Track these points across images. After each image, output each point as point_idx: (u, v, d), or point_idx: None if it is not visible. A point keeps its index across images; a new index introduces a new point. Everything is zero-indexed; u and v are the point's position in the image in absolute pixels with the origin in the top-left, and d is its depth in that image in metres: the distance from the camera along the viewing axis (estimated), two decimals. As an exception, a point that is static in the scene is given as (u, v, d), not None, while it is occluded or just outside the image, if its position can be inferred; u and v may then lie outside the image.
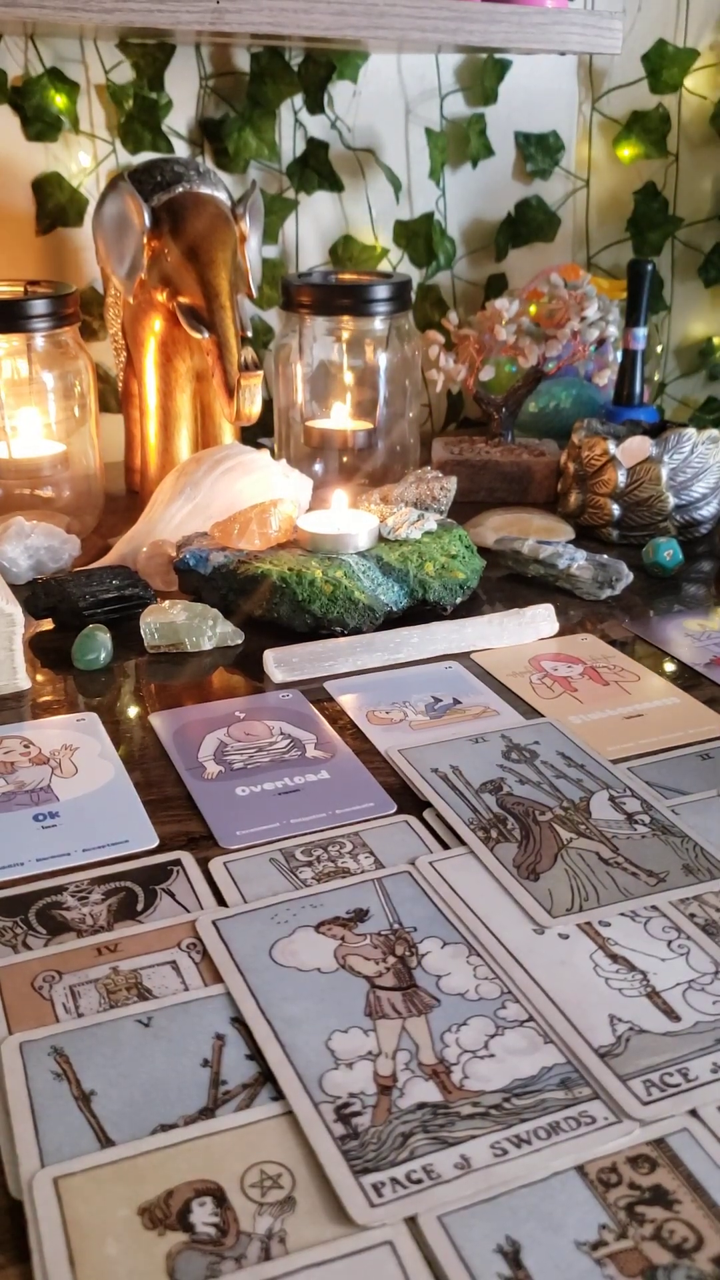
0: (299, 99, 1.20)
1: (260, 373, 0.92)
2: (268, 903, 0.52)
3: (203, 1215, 0.37)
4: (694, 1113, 0.41)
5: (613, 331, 1.10)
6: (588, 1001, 0.46)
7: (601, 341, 1.10)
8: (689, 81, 1.32)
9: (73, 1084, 0.42)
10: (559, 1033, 0.44)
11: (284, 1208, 0.37)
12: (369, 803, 0.60)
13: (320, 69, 1.19)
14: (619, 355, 1.17)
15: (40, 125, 1.12)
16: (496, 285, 1.35)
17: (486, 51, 1.23)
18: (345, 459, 1.11)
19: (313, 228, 1.26)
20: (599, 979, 0.47)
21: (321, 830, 0.58)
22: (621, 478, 0.97)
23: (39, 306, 0.94)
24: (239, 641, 0.79)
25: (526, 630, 0.80)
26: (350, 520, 0.84)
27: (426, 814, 0.59)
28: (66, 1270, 0.35)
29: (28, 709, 0.71)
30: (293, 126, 1.21)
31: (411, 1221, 0.37)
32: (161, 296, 0.97)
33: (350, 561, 0.80)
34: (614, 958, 0.48)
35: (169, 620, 0.77)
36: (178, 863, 0.55)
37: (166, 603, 0.79)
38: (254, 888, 0.53)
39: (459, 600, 0.83)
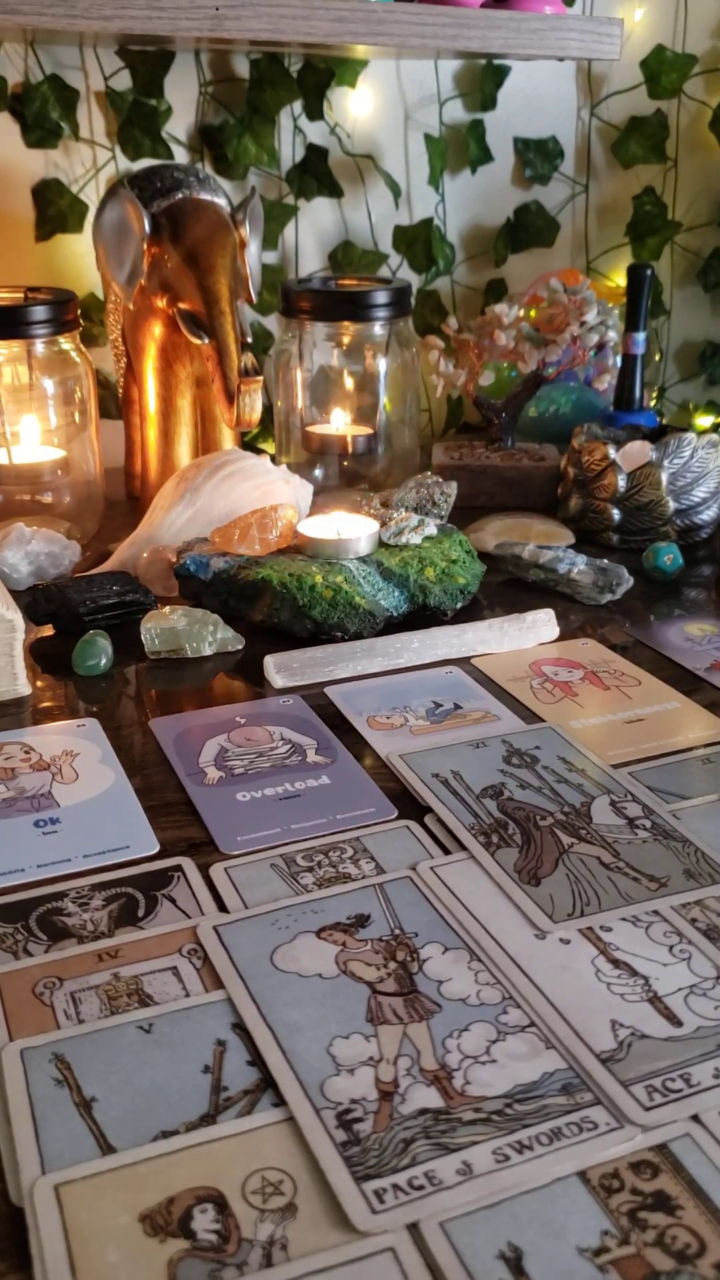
0: (298, 105, 1.20)
1: (260, 378, 0.92)
2: (269, 908, 0.51)
3: (204, 1222, 0.37)
4: (696, 1118, 0.41)
5: (612, 336, 1.11)
6: (589, 1007, 0.46)
7: (601, 346, 1.11)
8: (688, 87, 1.33)
9: (74, 1090, 0.42)
10: (560, 1038, 0.44)
11: (285, 1214, 0.37)
12: (370, 808, 0.60)
13: (320, 75, 1.19)
14: (618, 360, 1.17)
15: (40, 132, 1.12)
16: (496, 290, 1.35)
17: (485, 57, 1.23)
18: (345, 464, 1.12)
19: (312, 233, 1.26)
20: (600, 984, 0.47)
21: (322, 835, 0.58)
22: (622, 482, 0.97)
23: (39, 313, 0.94)
24: (239, 647, 0.79)
25: (527, 635, 0.80)
26: (350, 525, 0.84)
27: (427, 819, 0.59)
28: (68, 1278, 0.35)
29: (28, 715, 0.71)
30: (292, 133, 1.22)
31: (413, 1228, 0.37)
32: (161, 302, 0.97)
33: (350, 567, 0.80)
34: (615, 963, 0.48)
35: (169, 626, 0.77)
36: (179, 868, 0.55)
37: (167, 608, 0.79)
38: (255, 893, 0.53)
39: (459, 605, 0.83)
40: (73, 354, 0.98)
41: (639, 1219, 0.37)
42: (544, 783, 0.62)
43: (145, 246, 0.96)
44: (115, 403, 1.18)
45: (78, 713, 0.71)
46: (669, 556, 0.91)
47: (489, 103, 1.28)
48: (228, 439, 1.06)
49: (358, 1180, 0.38)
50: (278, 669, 0.74)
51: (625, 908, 0.51)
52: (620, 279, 1.34)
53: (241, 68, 1.18)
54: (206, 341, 0.93)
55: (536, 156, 1.32)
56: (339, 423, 1.10)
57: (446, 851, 0.56)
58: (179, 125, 1.17)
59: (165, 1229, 0.37)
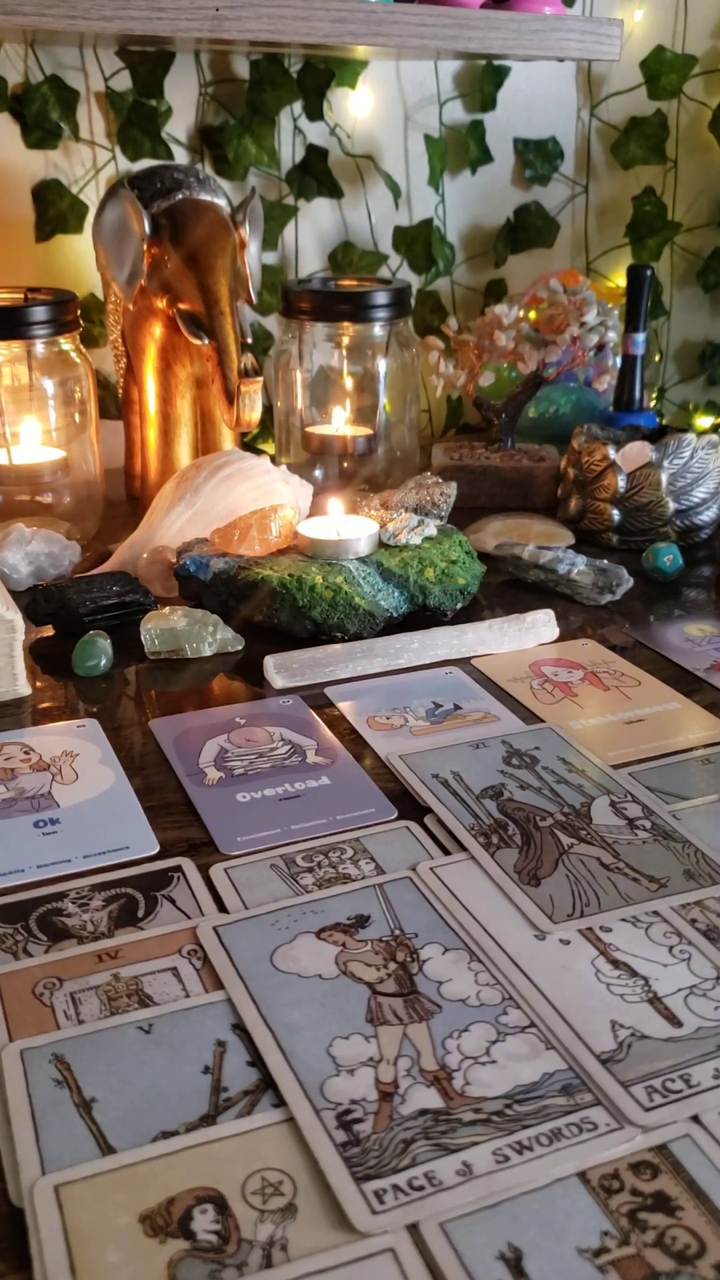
0: (298, 106, 1.20)
1: (260, 379, 0.92)
2: (269, 909, 0.51)
3: (204, 1223, 0.37)
4: (696, 1119, 0.41)
5: (612, 337, 1.11)
6: (589, 1007, 0.46)
7: (601, 347, 1.11)
8: (687, 87, 1.33)
9: (74, 1091, 0.42)
10: (560, 1039, 0.44)
11: (285, 1215, 0.37)
12: (370, 808, 0.60)
13: (319, 76, 1.19)
14: (618, 360, 1.17)
15: (40, 133, 1.12)
16: (496, 291, 1.35)
17: (485, 58, 1.23)
18: (345, 464, 1.12)
19: (312, 234, 1.26)
20: (600, 985, 0.47)
21: (322, 836, 0.58)
22: (621, 483, 0.97)
23: (39, 313, 0.94)
24: (239, 647, 0.79)
25: (527, 635, 0.80)
26: (350, 526, 0.84)
27: (427, 820, 0.59)
28: (68, 1278, 0.35)
29: (28, 715, 0.71)
30: (292, 133, 1.22)
31: (413, 1228, 0.37)
32: (161, 303, 0.97)
33: (350, 567, 0.80)
34: (615, 963, 0.48)
35: (169, 626, 0.77)
36: (178, 869, 0.55)
37: (167, 609, 0.79)
38: (255, 894, 0.53)
39: (459, 606, 0.83)
40: (73, 354, 0.98)
41: (639, 1220, 0.37)
42: (544, 783, 0.62)
43: (145, 247, 0.96)
44: (115, 403, 1.18)
45: (78, 713, 0.71)
46: (669, 557, 0.91)
47: (489, 103, 1.28)
48: (228, 439, 1.06)
49: (358, 1181, 0.38)
50: (278, 669, 0.74)
51: (625, 908, 0.51)
52: (620, 279, 1.34)
53: (241, 68, 1.18)
54: (206, 342, 0.93)
55: (536, 157, 1.32)
56: (339, 423, 1.10)
57: (446, 852, 0.56)
58: (179, 126, 1.17)
59: (165, 1229, 0.37)
